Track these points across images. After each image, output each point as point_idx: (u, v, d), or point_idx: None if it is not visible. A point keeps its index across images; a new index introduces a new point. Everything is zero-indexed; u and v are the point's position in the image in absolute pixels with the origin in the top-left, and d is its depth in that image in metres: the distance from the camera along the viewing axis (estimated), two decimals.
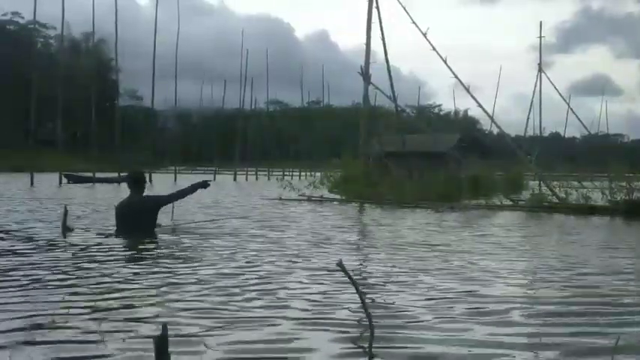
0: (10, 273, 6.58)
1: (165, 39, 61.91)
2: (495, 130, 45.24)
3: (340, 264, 3.46)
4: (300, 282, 6.39)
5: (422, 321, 4.86)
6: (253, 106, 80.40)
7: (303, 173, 64.77)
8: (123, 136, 70.84)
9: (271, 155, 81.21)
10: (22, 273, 6.59)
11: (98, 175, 45.72)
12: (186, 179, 51.35)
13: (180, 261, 7.57)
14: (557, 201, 21.15)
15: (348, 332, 4.47)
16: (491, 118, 28.90)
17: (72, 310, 4.93)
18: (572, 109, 42.11)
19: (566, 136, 69.91)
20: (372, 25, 29.81)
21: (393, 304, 5.46)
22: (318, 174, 34.67)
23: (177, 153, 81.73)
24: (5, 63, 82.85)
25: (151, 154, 65.95)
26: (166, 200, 10.74)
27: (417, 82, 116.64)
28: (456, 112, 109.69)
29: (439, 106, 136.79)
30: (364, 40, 30.06)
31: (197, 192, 11.20)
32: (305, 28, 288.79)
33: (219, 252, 8.47)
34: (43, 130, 77.45)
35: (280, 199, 23.06)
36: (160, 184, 39.18)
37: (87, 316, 4.75)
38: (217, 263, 7.51)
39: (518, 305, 5.43)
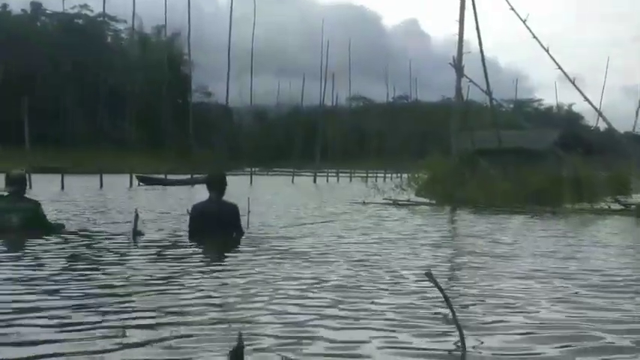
0: (77, 278, 6.85)
1: (240, 31, 62.68)
2: (602, 126, 44.15)
3: (429, 274, 3.46)
4: (386, 292, 6.41)
5: (518, 338, 4.81)
6: (334, 103, 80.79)
7: (388, 175, 64.50)
8: (196, 135, 72.17)
9: (354, 155, 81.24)
10: (89, 277, 6.87)
11: (170, 177, 46.65)
12: (261, 182, 51.94)
13: (258, 268, 7.67)
14: None
15: (437, 348, 4.46)
16: (599, 112, 28.20)
17: (139, 316, 5.10)
18: None
19: None
20: (466, 13, 29.49)
21: (486, 318, 5.42)
22: (405, 175, 34.45)
23: (253, 153, 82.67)
24: (74, 57, 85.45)
25: (226, 155, 66.67)
26: (239, 231, 10.66)
27: (516, 75, 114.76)
28: (559, 107, 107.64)
29: (539, 100, 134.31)
30: (457, 29, 29.78)
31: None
32: (392, 17, 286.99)
33: (300, 258, 8.57)
34: (112, 127, 79.42)
35: (364, 203, 23.04)
36: (234, 187, 39.62)
37: (153, 324, 4.90)
38: (297, 269, 7.62)
39: None
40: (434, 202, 24.09)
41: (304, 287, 6.49)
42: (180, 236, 10.92)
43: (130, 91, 69.34)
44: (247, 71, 67.90)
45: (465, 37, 29.62)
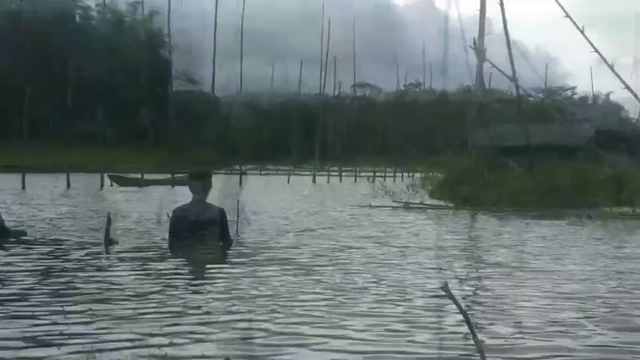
0: (40, 296, 6.71)
1: (227, 9, 62.54)
2: None
3: (445, 288, 3.41)
4: (399, 307, 6.35)
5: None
6: (336, 91, 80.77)
7: (398, 174, 64.51)
8: (179, 127, 72.14)
9: (358, 151, 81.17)
10: (54, 296, 6.72)
11: (147, 176, 46.58)
12: (252, 183, 51.85)
13: (251, 286, 7.51)
14: None
15: None
16: None
17: (111, 347, 4.97)
18: None
19: None
20: None
21: (521, 343, 5.30)
22: (417, 175, 34.46)
23: (245, 149, 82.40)
24: (38, 39, 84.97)
25: (214, 151, 66.45)
26: (228, 239, 10.54)
27: (546, 60, 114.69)
28: (595, 97, 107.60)
29: (573, 88, 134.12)
30: (477, 7, 29.70)
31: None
32: None
33: (301, 273, 8.45)
34: (82, 120, 79.35)
35: (370, 206, 22.96)
36: (220, 189, 39.53)
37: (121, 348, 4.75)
38: (297, 287, 7.48)
39: None
40: (451, 205, 24.02)
41: (308, 312, 6.32)
42: (159, 245, 10.79)
43: (102, 79, 68.80)
44: (236, 55, 67.83)
45: (488, 15, 29.57)
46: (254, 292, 7.08)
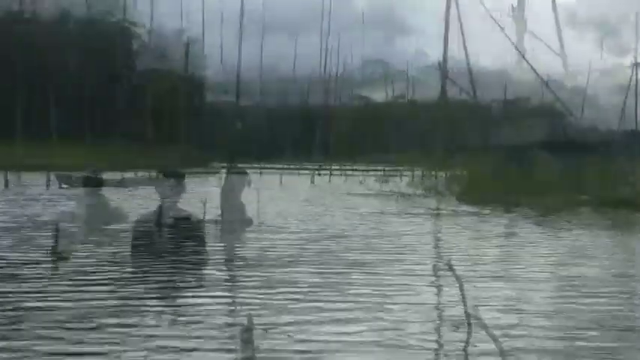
0: None
1: None
2: None
3: (474, 311, 3.48)
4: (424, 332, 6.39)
5: None
6: (340, 71, 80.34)
7: (416, 172, 64.42)
8: (149, 116, 72.07)
9: (366, 145, 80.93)
10: None
11: (108, 176, 46.57)
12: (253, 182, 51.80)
13: (233, 318, 7.51)
14: None
15: None
16: None
17: None
18: None
19: None
20: None
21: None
22: (441, 174, 34.69)
23: (235, 144, 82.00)
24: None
25: (194, 145, 66.35)
26: (203, 250, 10.56)
27: (602, 31, 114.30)
28: None
29: (637, 65, 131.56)
30: None
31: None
32: None
33: (304, 299, 8.52)
34: (32, 111, 79.13)
35: (382, 213, 22.93)
36: (197, 191, 39.49)
37: None
38: (299, 307, 7.64)
39: None
40: (482, 211, 24.04)
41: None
42: (117, 262, 10.65)
43: (57, 62, 68.00)
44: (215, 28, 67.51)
45: None
46: (238, 322, 7.02)
